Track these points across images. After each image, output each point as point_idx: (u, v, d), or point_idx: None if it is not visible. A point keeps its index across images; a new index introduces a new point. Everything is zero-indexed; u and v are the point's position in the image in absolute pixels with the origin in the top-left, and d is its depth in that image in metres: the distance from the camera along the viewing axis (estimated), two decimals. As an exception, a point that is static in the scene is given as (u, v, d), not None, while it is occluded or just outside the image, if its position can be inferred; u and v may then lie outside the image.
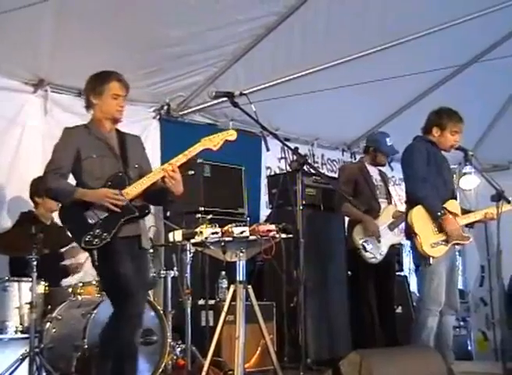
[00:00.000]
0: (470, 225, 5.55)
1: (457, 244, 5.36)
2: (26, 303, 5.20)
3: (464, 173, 9.40)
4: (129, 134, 4.50)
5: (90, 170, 4.23)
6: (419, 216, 5.24)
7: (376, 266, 6.12)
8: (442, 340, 5.33)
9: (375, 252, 6.09)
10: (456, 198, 5.55)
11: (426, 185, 5.29)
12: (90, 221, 4.12)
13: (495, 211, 5.25)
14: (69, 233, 4.35)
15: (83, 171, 4.24)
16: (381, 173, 6.53)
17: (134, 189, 4.14)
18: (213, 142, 4.18)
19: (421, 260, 5.28)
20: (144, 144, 4.58)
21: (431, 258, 5.19)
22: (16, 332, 5.19)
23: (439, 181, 5.40)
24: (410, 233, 5.35)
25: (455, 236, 5.22)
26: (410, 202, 5.40)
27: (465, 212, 5.52)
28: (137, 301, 4.09)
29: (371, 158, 6.42)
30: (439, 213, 5.18)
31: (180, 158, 4.20)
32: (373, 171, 6.41)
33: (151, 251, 5.83)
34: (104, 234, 4.09)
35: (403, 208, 5.92)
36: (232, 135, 4.22)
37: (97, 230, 4.09)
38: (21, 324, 5.21)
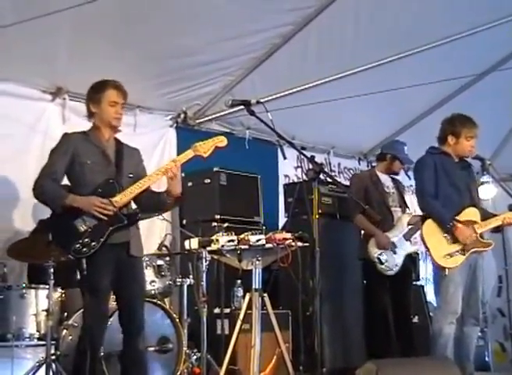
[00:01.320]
0: (495, 230, 5.54)
1: (477, 251, 5.32)
2: (43, 310, 5.22)
3: (482, 183, 9.32)
4: (129, 146, 4.56)
5: (83, 176, 4.28)
6: (430, 230, 5.25)
7: (392, 275, 6.09)
8: (462, 350, 5.32)
9: (390, 264, 6.06)
10: (476, 205, 5.49)
11: (434, 200, 5.31)
12: (79, 229, 4.16)
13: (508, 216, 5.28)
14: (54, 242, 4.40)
15: (77, 176, 4.31)
16: (394, 181, 6.50)
17: (124, 196, 4.17)
18: (204, 149, 4.20)
19: (438, 270, 5.28)
20: (142, 157, 4.61)
21: (446, 270, 5.17)
22: (32, 339, 5.23)
23: (452, 191, 5.37)
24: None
25: (470, 244, 5.20)
26: (424, 215, 5.42)
27: (488, 217, 5.49)
28: (105, 312, 4.21)
29: (385, 165, 6.40)
30: (449, 226, 5.16)
31: (181, 159, 4.25)
32: (385, 179, 6.38)
33: (167, 259, 5.87)
34: (93, 243, 4.13)
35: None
36: (222, 142, 4.24)
37: (86, 239, 4.13)
38: (38, 331, 5.24)
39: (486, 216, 5.49)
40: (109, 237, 4.15)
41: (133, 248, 4.25)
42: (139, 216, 4.26)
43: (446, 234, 5.21)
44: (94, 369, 4.17)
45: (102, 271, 4.18)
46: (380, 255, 6.05)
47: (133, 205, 4.41)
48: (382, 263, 6.05)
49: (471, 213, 5.33)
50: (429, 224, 5.25)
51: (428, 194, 5.34)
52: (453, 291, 5.22)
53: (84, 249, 4.13)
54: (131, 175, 4.28)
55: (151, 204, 4.38)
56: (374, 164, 8.91)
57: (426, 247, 5.27)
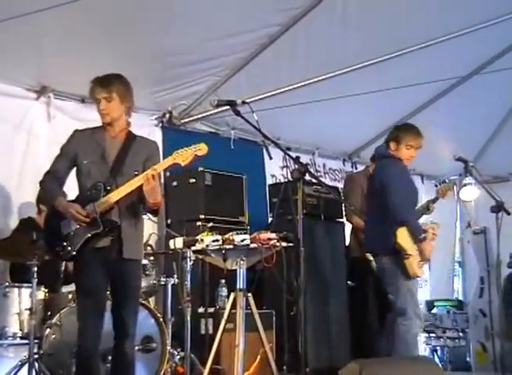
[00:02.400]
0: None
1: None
2: (26, 309, 5.21)
3: (465, 184, 9.37)
4: (142, 139, 4.44)
5: (81, 176, 4.27)
6: (405, 238, 5.24)
7: (377, 275, 6.10)
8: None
9: None
10: None
11: (412, 211, 5.39)
12: (62, 232, 4.16)
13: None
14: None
15: (77, 176, 4.30)
16: None
17: (104, 202, 4.09)
18: (183, 157, 4.11)
19: (403, 280, 5.29)
20: (156, 150, 4.48)
21: (414, 278, 5.27)
22: (15, 338, 5.21)
23: (414, 204, 5.45)
24: (389, 252, 5.34)
25: (427, 258, 5.32)
26: (392, 221, 5.32)
27: None
28: (95, 312, 4.15)
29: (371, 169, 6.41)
30: (421, 237, 5.22)
31: (158, 167, 4.10)
32: None
33: (151, 258, 5.85)
34: (69, 248, 4.13)
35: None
36: (202, 150, 4.14)
37: (65, 243, 4.14)
38: (21, 330, 5.24)
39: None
40: (89, 242, 4.11)
41: (127, 250, 4.16)
42: (114, 224, 4.15)
43: (413, 245, 5.25)
44: (91, 367, 4.15)
45: (88, 273, 4.15)
46: None
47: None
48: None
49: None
50: (402, 232, 5.25)
51: (408, 205, 5.37)
52: (416, 300, 5.36)
53: (61, 253, 4.16)
54: (136, 171, 4.15)
55: (130, 211, 4.26)
56: (359, 165, 8.99)
57: (407, 254, 5.23)
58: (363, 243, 5.94)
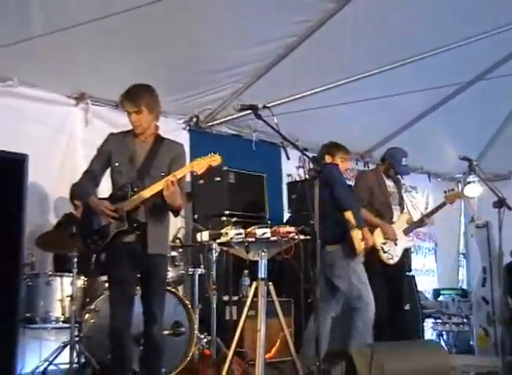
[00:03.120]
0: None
1: None
2: (68, 296, 5.28)
3: (469, 182, 9.32)
4: (170, 142, 4.43)
5: (113, 177, 4.31)
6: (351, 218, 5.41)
7: (388, 266, 6.10)
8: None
9: (392, 254, 6.09)
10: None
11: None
12: (94, 226, 4.21)
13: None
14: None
15: (111, 175, 4.33)
16: (396, 182, 6.48)
17: (133, 201, 4.14)
18: (199, 166, 4.12)
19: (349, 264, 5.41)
20: (181, 152, 4.46)
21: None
22: (58, 322, 5.27)
23: None
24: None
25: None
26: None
27: None
28: (118, 302, 4.20)
29: (384, 169, 6.39)
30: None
31: (177, 174, 4.10)
32: (388, 180, 6.38)
33: (180, 250, 5.88)
34: (99, 242, 4.20)
35: (413, 213, 5.94)
36: (215, 161, 4.14)
37: (95, 237, 4.20)
38: (63, 315, 5.29)
39: None
40: (116, 237, 4.16)
41: (151, 246, 4.19)
42: (139, 223, 4.19)
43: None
44: (123, 347, 4.20)
45: (117, 264, 4.21)
46: (384, 244, 6.06)
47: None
48: (385, 252, 6.07)
49: None
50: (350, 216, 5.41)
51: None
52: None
53: (92, 246, 4.23)
54: (163, 173, 4.18)
55: (156, 210, 4.27)
56: (371, 164, 8.96)
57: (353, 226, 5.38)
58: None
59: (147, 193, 4.12)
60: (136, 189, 4.16)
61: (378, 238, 6.08)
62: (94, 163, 4.37)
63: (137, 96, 4.22)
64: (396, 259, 6.10)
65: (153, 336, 4.25)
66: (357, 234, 5.25)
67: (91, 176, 4.34)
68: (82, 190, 4.41)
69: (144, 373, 4.39)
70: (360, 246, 5.32)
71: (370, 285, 6.25)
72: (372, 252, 6.07)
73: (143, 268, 4.27)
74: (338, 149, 5.82)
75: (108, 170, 4.36)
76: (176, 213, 4.33)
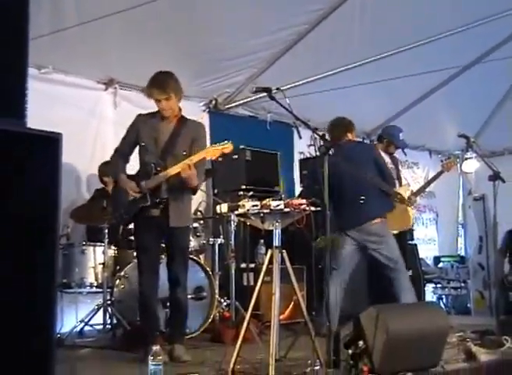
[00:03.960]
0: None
1: None
2: (100, 263, 5.33)
3: (466, 158, 9.26)
4: (191, 122, 4.42)
5: (141, 154, 4.34)
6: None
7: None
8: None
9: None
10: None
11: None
12: (123, 201, 4.27)
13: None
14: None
15: (138, 153, 4.36)
16: (392, 158, 6.44)
17: (155, 181, 4.17)
18: (213, 153, 4.13)
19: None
20: (201, 131, 4.47)
21: None
22: (92, 287, 5.33)
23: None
24: None
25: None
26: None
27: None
28: (144, 269, 4.26)
29: (383, 147, 6.33)
30: None
31: (194, 158, 4.10)
32: (385, 156, 6.33)
33: (201, 222, 5.90)
34: (125, 216, 4.29)
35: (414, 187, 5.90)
36: (228, 148, 4.15)
37: (123, 210, 4.28)
38: (96, 280, 5.35)
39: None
40: (141, 211, 4.21)
41: (172, 220, 4.21)
42: (161, 199, 4.21)
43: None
44: (150, 309, 4.28)
45: (143, 235, 4.29)
46: None
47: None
48: None
49: None
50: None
51: None
52: None
53: (119, 219, 4.36)
54: (184, 152, 4.21)
55: (177, 187, 4.27)
56: (376, 142, 8.89)
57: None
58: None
59: (167, 173, 4.15)
60: (158, 168, 4.19)
61: None
62: (123, 143, 4.40)
63: (165, 84, 4.21)
64: (394, 233, 6.05)
65: (177, 299, 4.30)
66: (411, 209, 5.21)
67: (121, 155, 4.39)
68: (113, 168, 4.49)
69: (170, 332, 4.44)
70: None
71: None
72: None
73: (166, 239, 4.32)
74: (353, 125, 5.58)
75: (137, 148, 4.38)
76: (194, 192, 4.37)
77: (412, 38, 6.54)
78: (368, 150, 5.62)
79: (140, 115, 4.41)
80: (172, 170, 4.12)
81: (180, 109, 4.40)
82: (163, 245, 4.43)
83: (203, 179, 4.58)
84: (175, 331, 4.38)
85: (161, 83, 4.21)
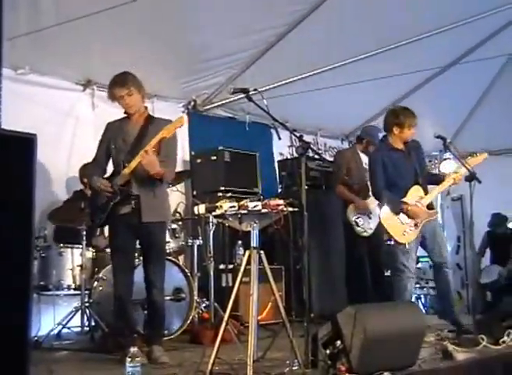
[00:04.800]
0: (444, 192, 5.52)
1: (427, 221, 5.29)
2: (78, 265, 5.31)
3: (444, 159, 9.31)
4: (158, 120, 4.42)
5: (113, 158, 4.37)
6: (387, 215, 5.22)
7: (368, 237, 6.13)
8: (440, 294, 5.50)
9: (365, 227, 6.10)
10: (419, 181, 5.45)
11: (384, 190, 5.27)
12: (98, 203, 4.32)
13: (459, 174, 5.33)
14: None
15: (112, 157, 4.39)
16: None
17: (123, 176, 4.20)
18: (168, 131, 4.11)
19: (398, 245, 5.25)
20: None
21: (407, 244, 5.18)
22: (69, 289, 5.31)
23: (399, 178, 5.32)
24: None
25: (422, 219, 5.21)
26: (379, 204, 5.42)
27: (437, 181, 5.50)
28: (120, 269, 4.27)
29: (362, 147, 6.38)
30: (399, 210, 5.16)
31: (151, 143, 4.10)
32: (364, 156, 6.38)
33: (180, 223, 5.89)
34: (102, 215, 4.29)
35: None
36: (181, 123, 4.15)
37: (99, 211, 4.30)
38: (74, 283, 5.33)
39: (435, 180, 5.53)
40: (114, 210, 4.22)
41: (145, 215, 4.20)
42: (128, 192, 4.22)
43: (398, 215, 5.20)
44: (125, 311, 4.27)
45: (117, 235, 4.29)
46: (357, 218, 6.07)
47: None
48: (358, 226, 6.09)
49: (414, 191, 5.30)
50: (385, 210, 5.25)
51: (379, 188, 5.30)
52: (412, 257, 5.26)
53: (97, 221, 4.35)
54: (154, 149, 4.17)
55: (146, 182, 4.27)
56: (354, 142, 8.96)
57: (387, 231, 5.26)
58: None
59: (130, 166, 4.17)
60: (126, 165, 4.21)
61: (350, 213, 6.10)
62: (97, 152, 4.44)
63: (124, 80, 4.28)
64: (370, 232, 6.10)
65: (154, 301, 4.30)
66: (397, 241, 5.24)
67: (97, 163, 4.44)
68: (89, 175, 4.51)
69: (148, 334, 4.44)
70: (405, 240, 5.26)
71: (352, 254, 6.29)
72: (349, 225, 6.11)
73: (140, 237, 4.31)
74: (406, 116, 5.41)
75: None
76: (160, 181, 4.31)
77: (391, 40, 6.59)
78: (419, 147, 5.74)
79: (109, 123, 4.47)
80: (134, 162, 4.14)
81: (146, 108, 4.47)
82: (139, 246, 4.43)
83: (174, 166, 4.52)
84: (153, 333, 4.37)
85: (120, 80, 4.29)
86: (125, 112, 4.40)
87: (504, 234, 8.24)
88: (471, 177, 5.08)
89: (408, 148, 5.47)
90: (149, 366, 3.93)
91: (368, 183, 6.16)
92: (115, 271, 4.32)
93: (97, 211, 4.32)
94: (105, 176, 4.42)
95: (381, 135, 6.26)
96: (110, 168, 4.46)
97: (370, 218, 6.09)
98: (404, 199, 5.21)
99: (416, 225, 5.20)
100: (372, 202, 6.11)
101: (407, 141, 5.46)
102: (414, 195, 5.28)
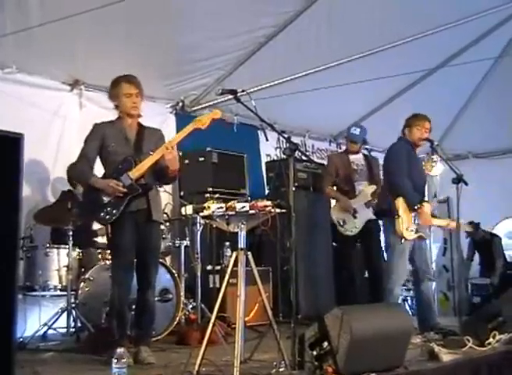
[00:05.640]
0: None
1: (419, 237, 5.31)
2: (64, 266, 5.28)
3: (432, 161, 9.38)
4: (150, 128, 4.51)
5: (109, 157, 4.33)
6: (403, 204, 5.24)
7: (356, 237, 6.14)
8: (423, 304, 5.39)
9: (349, 227, 6.13)
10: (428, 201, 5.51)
11: (408, 181, 5.27)
12: (103, 200, 4.22)
13: (453, 224, 5.36)
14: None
15: (105, 157, 4.36)
16: (367, 159, 6.51)
17: (139, 170, 4.20)
18: (202, 122, 4.16)
19: (394, 239, 5.25)
20: (163, 136, 4.55)
21: (403, 239, 5.19)
22: (55, 290, 5.28)
23: (416, 174, 5.37)
24: (386, 214, 5.35)
25: (422, 228, 5.24)
26: (392, 192, 5.31)
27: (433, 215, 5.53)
28: (126, 268, 4.22)
29: (346, 147, 6.48)
30: (416, 207, 5.18)
31: (176, 138, 4.25)
32: (355, 158, 6.40)
33: (167, 224, 5.88)
34: (114, 211, 4.20)
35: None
36: (217, 114, 4.23)
37: (109, 208, 4.20)
38: (60, 283, 5.31)
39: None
40: (128, 205, 4.20)
41: (154, 213, 4.28)
42: (151, 186, 4.28)
43: (409, 213, 5.22)
44: (124, 314, 4.25)
45: (122, 234, 4.23)
46: (341, 218, 6.10)
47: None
48: (341, 225, 6.11)
49: (427, 207, 5.32)
50: (401, 200, 5.26)
51: (402, 174, 5.28)
52: (403, 260, 5.26)
53: (107, 216, 4.21)
54: (151, 152, 4.25)
55: (158, 175, 4.36)
56: (343, 146, 8.99)
57: (398, 214, 5.18)
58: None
59: (150, 161, 4.19)
60: (138, 160, 4.23)
61: (334, 213, 6.13)
62: (88, 148, 4.38)
63: (137, 81, 4.35)
64: (354, 231, 6.12)
65: (148, 301, 4.31)
66: (400, 225, 5.22)
67: (87, 161, 4.36)
68: (82, 173, 4.42)
69: (136, 334, 4.40)
70: (405, 235, 5.26)
71: (340, 254, 6.30)
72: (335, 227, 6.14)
73: (143, 236, 4.28)
74: (416, 118, 5.50)
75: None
76: (174, 179, 4.45)
77: (379, 42, 6.60)
78: None
79: (97, 124, 4.43)
80: (155, 156, 4.17)
81: (139, 115, 4.47)
82: None
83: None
84: (141, 333, 4.36)
85: (133, 79, 4.34)
86: (122, 113, 4.38)
87: (484, 239, 8.30)
88: (458, 180, 5.10)
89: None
90: (135, 367, 3.92)
91: (355, 183, 6.20)
92: (118, 269, 4.28)
93: (105, 207, 4.22)
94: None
95: (354, 128, 6.31)
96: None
97: (355, 217, 6.12)
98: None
99: (416, 230, 5.23)
100: (357, 202, 6.14)
101: (417, 146, 5.54)
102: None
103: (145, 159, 4.22)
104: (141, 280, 4.29)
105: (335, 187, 6.44)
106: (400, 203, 5.21)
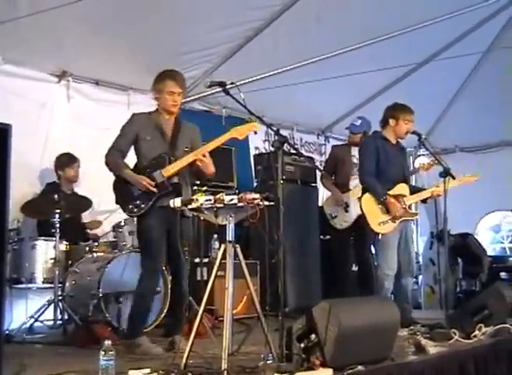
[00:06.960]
0: (423, 201, 5.59)
1: (405, 220, 5.36)
2: (51, 258, 5.25)
3: (419, 155, 9.44)
4: (187, 124, 4.57)
5: (143, 149, 4.38)
6: (368, 201, 5.27)
7: (349, 230, 6.15)
8: (401, 297, 5.44)
9: (340, 220, 6.13)
10: (407, 180, 5.53)
11: (371, 177, 5.31)
12: (134, 192, 4.29)
13: (440, 188, 5.28)
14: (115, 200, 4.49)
15: (139, 149, 4.42)
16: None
17: (171, 169, 4.27)
18: (239, 132, 4.24)
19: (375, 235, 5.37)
20: (199, 133, 4.62)
21: (380, 234, 5.25)
22: (42, 282, 5.26)
23: (389, 168, 5.38)
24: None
25: (398, 215, 5.24)
26: (363, 189, 5.44)
27: (416, 191, 5.54)
28: (156, 260, 4.33)
29: (349, 140, 6.50)
30: (382, 199, 5.21)
31: (210, 146, 4.29)
32: (356, 151, 6.40)
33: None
34: (143, 205, 4.27)
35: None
36: (255, 127, 4.27)
37: (138, 201, 4.27)
38: (47, 276, 5.26)
39: (414, 190, 5.55)
40: (157, 201, 4.26)
41: (186, 210, 4.26)
42: (181, 186, 4.34)
43: (380, 205, 5.25)
44: (149, 307, 4.45)
45: (153, 227, 4.30)
46: (333, 211, 6.10)
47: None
48: (332, 218, 6.12)
49: (401, 188, 5.37)
50: (367, 196, 5.30)
51: (367, 172, 5.36)
52: (390, 253, 5.28)
53: (136, 209, 4.29)
54: (187, 148, 4.32)
55: (197, 174, 4.49)
56: (331, 139, 9.04)
57: (363, 215, 5.30)
58: None
59: (182, 163, 4.26)
60: (172, 158, 4.29)
61: (326, 206, 6.14)
62: (122, 139, 4.44)
63: (184, 81, 4.48)
64: (345, 225, 6.13)
65: (184, 290, 4.49)
66: (369, 224, 5.33)
67: (119, 151, 4.43)
68: (113, 164, 4.44)
69: (173, 324, 4.59)
70: (379, 230, 5.37)
71: (330, 247, 6.31)
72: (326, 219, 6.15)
73: (174, 230, 4.26)
74: (402, 110, 5.51)
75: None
76: (212, 178, 4.62)
77: (367, 36, 6.62)
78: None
79: (135, 114, 4.50)
80: (188, 159, 4.24)
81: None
82: None
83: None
84: (176, 322, 4.51)
85: (181, 79, 4.44)
86: (161, 108, 4.45)
87: (459, 244, 8.32)
88: (446, 173, 5.11)
89: (400, 145, 5.53)
90: (122, 359, 3.88)
91: (351, 177, 6.22)
92: (149, 264, 4.35)
93: (134, 200, 4.29)
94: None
95: (355, 120, 6.32)
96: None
97: (347, 211, 6.12)
98: (390, 192, 5.26)
99: (393, 219, 5.24)
100: (350, 196, 6.16)
101: (401, 139, 5.54)
102: (400, 192, 5.32)
103: (179, 158, 4.28)
104: (176, 271, 4.44)
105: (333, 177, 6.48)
106: (363, 201, 5.30)
